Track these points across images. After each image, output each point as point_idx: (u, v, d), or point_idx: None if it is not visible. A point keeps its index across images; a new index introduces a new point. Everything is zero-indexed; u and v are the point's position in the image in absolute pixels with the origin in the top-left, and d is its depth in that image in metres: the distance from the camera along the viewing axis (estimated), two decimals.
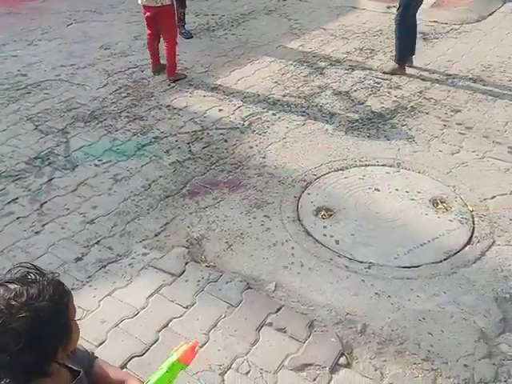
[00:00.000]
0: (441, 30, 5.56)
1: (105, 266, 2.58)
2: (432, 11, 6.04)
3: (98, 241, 2.75)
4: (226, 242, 2.73)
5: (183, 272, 2.52)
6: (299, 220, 2.92)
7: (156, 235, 2.79)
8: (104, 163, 3.43)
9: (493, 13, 6.04)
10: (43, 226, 2.86)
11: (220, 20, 5.98)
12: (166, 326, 2.25)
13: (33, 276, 1.00)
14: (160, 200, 3.07)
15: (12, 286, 0.97)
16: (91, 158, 3.49)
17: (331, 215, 2.96)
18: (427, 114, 3.96)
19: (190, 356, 1.28)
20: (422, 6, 6.09)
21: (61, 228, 2.84)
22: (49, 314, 0.97)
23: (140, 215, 2.95)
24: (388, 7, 6.20)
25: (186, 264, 2.57)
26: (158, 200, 3.07)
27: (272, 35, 5.48)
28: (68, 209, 3.00)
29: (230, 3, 6.53)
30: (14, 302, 0.95)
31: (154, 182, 3.24)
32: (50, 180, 3.25)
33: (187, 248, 2.69)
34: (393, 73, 4.55)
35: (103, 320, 2.29)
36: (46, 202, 3.05)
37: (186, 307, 2.34)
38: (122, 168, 3.38)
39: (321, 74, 4.66)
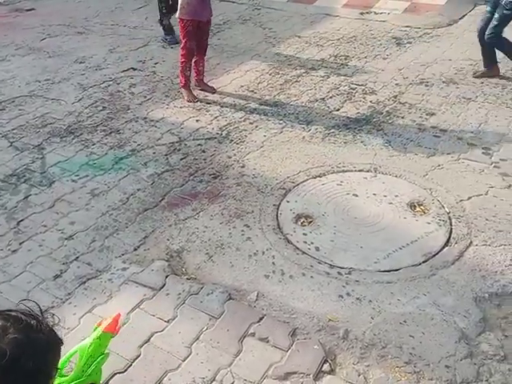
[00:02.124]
0: (414, 34, 5.64)
1: (84, 283, 2.55)
2: (405, 16, 6.13)
3: (77, 257, 2.72)
4: (207, 253, 2.73)
5: (164, 285, 2.51)
6: (279, 228, 2.92)
7: (135, 249, 2.77)
8: (81, 178, 3.40)
9: (464, 16, 6.14)
10: (20, 244, 2.82)
11: None
12: (147, 341, 2.24)
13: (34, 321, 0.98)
14: (138, 213, 3.05)
15: (12, 313, 0.96)
16: (68, 173, 3.46)
17: (311, 222, 2.97)
18: (402, 118, 4.01)
19: (114, 325, 1.37)
20: (394, 11, 6.23)
21: (38, 245, 2.81)
22: (42, 346, 0.95)
23: (119, 229, 2.93)
24: (361, 13, 6.28)
25: (167, 277, 2.56)
26: (136, 213, 3.05)
27: (247, 44, 5.51)
28: (45, 226, 2.96)
29: None
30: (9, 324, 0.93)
31: (132, 195, 3.22)
32: (27, 197, 3.22)
33: (167, 261, 2.67)
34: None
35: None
36: (22, 220, 3.01)
37: (168, 321, 2.32)
38: (100, 182, 3.35)
39: (296, 81, 4.69)
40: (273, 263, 2.65)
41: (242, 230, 2.90)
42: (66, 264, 2.67)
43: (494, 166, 3.39)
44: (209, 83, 4.63)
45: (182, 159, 3.59)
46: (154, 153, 3.67)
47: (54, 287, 2.53)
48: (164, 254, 2.73)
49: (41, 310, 1.02)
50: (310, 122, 4.03)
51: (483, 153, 3.54)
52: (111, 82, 4.75)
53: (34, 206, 3.13)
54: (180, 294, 2.46)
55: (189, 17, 4.13)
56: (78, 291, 2.50)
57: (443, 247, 2.74)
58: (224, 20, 6.29)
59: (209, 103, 4.36)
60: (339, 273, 2.59)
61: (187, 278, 2.56)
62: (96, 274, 2.60)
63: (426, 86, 4.50)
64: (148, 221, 2.99)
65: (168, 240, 2.83)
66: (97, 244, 2.81)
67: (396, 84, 4.54)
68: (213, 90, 4.51)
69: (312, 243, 2.80)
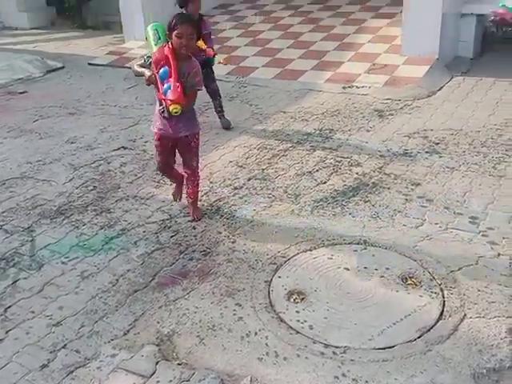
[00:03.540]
0: (395, 106, 5.85)
1: (72, 372, 2.48)
2: (385, 89, 6.37)
3: (65, 344, 2.66)
4: (198, 336, 2.68)
5: (154, 372, 2.44)
6: (271, 306, 2.89)
7: (125, 334, 2.71)
8: (71, 260, 3.38)
9: (442, 87, 6.39)
10: (7, 332, 2.76)
11: None
12: None
13: None
14: (128, 295, 3.01)
15: None
16: (58, 255, 3.44)
17: (303, 298, 2.95)
18: (389, 189, 4.08)
19: None
20: (375, 84, 6.47)
21: (26, 333, 2.75)
22: None
23: (108, 313, 2.88)
24: (344, 87, 6.51)
25: (157, 363, 2.49)
26: (126, 295, 3.01)
27: (235, 121, 5.66)
28: (33, 312, 2.91)
29: None
30: None
31: (121, 276, 3.20)
32: (15, 282, 3.18)
33: (157, 345, 2.61)
34: None
35: None
36: (10, 307, 2.96)
37: None
38: (90, 264, 3.33)
39: (284, 155, 4.79)
40: (266, 344, 2.61)
41: (234, 310, 2.86)
42: (53, 352, 2.60)
43: (482, 235, 3.42)
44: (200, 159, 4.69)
45: (172, 237, 3.60)
46: (145, 231, 3.68)
47: (40, 378, 2.46)
48: (154, 338, 2.67)
49: None
50: (299, 195, 4.09)
51: (470, 222, 3.59)
52: (102, 162, 4.82)
53: (22, 291, 3.09)
54: (171, 380, 2.39)
55: (153, 128, 3.63)
56: (66, 382, 2.43)
57: (437, 321, 2.71)
58: None
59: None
60: (334, 352, 2.55)
61: (178, 364, 2.50)
62: (84, 362, 2.53)
63: (410, 156, 4.62)
64: (138, 303, 2.96)
65: (158, 323, 2.79)
66: (86, 329, 2.76)
67: (380, 155, 4.65)
68: (197, 217, 3.80)
69: (305, 321, 2.76)
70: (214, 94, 5.43)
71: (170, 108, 3.20)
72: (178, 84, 3.19)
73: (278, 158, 4.74)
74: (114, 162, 4.82)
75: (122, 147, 5.13)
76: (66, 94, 6.94)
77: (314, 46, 7.85)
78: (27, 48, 9.65)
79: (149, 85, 3.41)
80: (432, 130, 5.15)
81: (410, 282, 3.02)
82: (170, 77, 3.22)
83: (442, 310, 2.78)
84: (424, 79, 6.52)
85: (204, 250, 3.43)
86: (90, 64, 8.40)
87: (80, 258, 3.40)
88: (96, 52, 9.14)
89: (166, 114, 3.41)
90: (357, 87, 6.49)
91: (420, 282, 3.01)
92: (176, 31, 3.25)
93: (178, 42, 3.25)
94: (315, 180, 4.30)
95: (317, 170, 4.46)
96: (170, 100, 3.17)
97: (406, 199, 3.92)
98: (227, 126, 5.48)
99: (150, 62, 3.36)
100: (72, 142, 5.31)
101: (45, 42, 10.29)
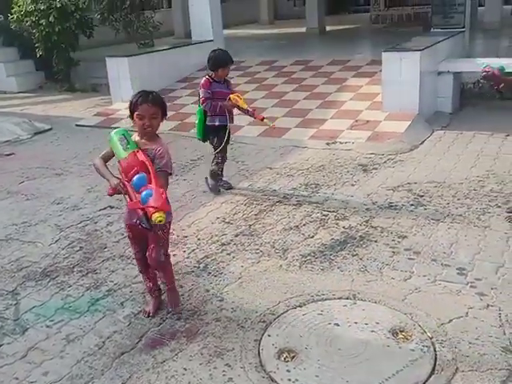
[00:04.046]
0: (378, 160, 5.96)
1: None
2: (368, 144, 6.52)
3: None
4: None
5: None
6: (262, 366, 2.83)
7: None
8: (56, 323, 3.31)
9: (424, 141, 6.56)
10: None
11: None
12: None
13: None
14: (115, 358, 2.94)
15: None
16: (42, 318, 3.37)
17: (294, 357, 2.89)
18: (376, 242, 4.10)
19: None
20: (358, 139, 6.62)
21: None
22: None
23: (94, 377, 2.80)
24: (327, 143, 6.66)
25: None
26: (112, 358, 2.94)
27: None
28: (17, 378, 2.82)
29: (180, 150, 6.85)
30: None
31: (108, 338, 3.13)
32: None
33: None
34: None
35: None
36: None
37: None
38: (75, 326, 3.26)
39: (271, 210, 4.82)
40: None
41: (224, 371, 2.80)
42: None
43: (471, 286, 3.43)
44: (185, 217, 4.72)
45: None
46: (131, 291, 3.63)
47: None
48: None
49: None
50: (286, 249, 4.09)
51: (458, 273, 3.60)
52: (88, 222, 4.81)
53: (5, 357, 3.00)
54: None
55: (124, 220, 3.33)
56: None
57: (430, 375, 2.67)
58: (199, 156, 6.59)
59: (186, 236, 4.42)
60: None
61: None
62: None
63: (396, 209, 4.67)
64: (125, 365, 2.88)
65: None
66: None
67: (366, 209, 4.70)
68: (175, 306, 3.39)
69: (297, 380, 2.70)
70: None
71: (154, 216, 2.71)
72: (162, 190, 2.82)
73: (265, 214, 4.76)
74: (101, 221, 4.81)
75: (109, 206, 5.14)
76: (52, 155, 7.00)
77: (298, 104, 8.08)
78: (15, 111, 9.82)
79: (112, 194, 2.99)
80: (416, 182, 5.24)
81: (400, 336, 2.99)
82: (150, 183, 2.82)
83: (434, 364, 2.74)
84: (406, 134, 6.69)
85: (192, 309, 3.39)
86: (77, 125, 8.53)
87: (65, 320, 3.33)
88: (83, 113, 9.31)
89: (145, 225, 2.84)
90: (340, 143, 6.63)
91: (411, 336, 2.98)
92: (137, 112, 2.99)
93: (141, 124, 2.99)
94: (302, 234, 4.32)
95: (304, 225, 4.49)
96: (154, 207, 2.72)
97: (394, 252, 3.93)
98: (227, 186, 5.47)
99: (132, 144, 2.98)
100: (58, 203, 5.31)
101: (33, 105, 10.48)
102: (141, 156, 2.91)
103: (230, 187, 5.44)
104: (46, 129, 8.39)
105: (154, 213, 2.72)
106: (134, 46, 11.59)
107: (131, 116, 3.06)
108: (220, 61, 5.01)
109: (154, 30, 11.72)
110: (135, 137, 3.09)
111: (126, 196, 2.92)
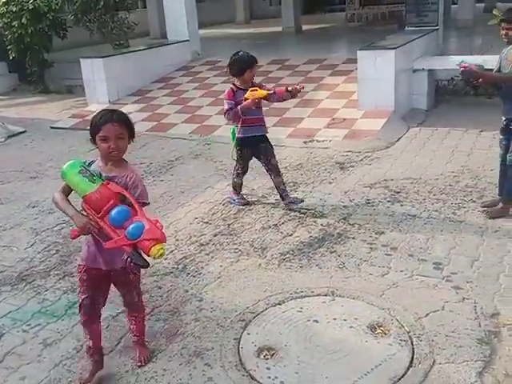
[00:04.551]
0: (355, 158, 6.01)
1: None
2: (345, 142, 6.56)
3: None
4: None
5: None
6: (241, 364, 2.84)
7: None
8: (32, 328, 3.26)
9: (400, 138, 6.63)
10: None
11: (148, 168, 6.19)
12: None
13: None
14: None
15: None
16: (19, 323, 3.32)
17: (273, 354, 2.90)
18: (353, 238, 4.13)
19: None
20: (335, 138, 6.66)
21: None
22: None
23: (72, 381, 2.77)
24: (305, 142, 6.69)
25: None
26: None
27: (200, 178, 5.71)
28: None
29: (158, 151, 6.82)
30: None
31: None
32: None
33: None
34: (500, 215, 4.30)
35: None
36: None
37: None
38: (53, 330, 3.22)
39: (249, 210, 4.83)
40: None
41: (203, 370, 2.79)
42: None
43: (446, 280, 3.48)
44: (163, 218, 4.68)
45: None
46: (109, 295, 3.59)
47: None
48: None
49: None
50: (265, 248, 4.09)
51: (434, 267, 3.64)
52: (64, 225, 4.75)
53: None
54: None
55: (81, 260, 2.79)
56: None
57: (408, 369, 2.70)
58: (176, 156, 6.56)
59: None
60: None
61: None
62: None
63: (373, 206, 4.71)
64: (104, 368, 2.85)
65: None
66: None
67: (344, 206, 4.74)
68: (144, 360, 2.90)
69: (276, 377, 2.71)
70: (275, 170, 4.83)
71: (155, 249, 2.33)
72: (155, 219, 2.44)
73: (244, 213, 4.77)
74: None
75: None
76: (27, 158, 6.90)
77: (275, 103, 8.08)
78: None
79: (76, 237, 2.54)
80: (392, 179, 5.30)
81: (378, 330, 3.02)
82: (135, 215, 2.42)
83: (412, 358, 2.78)
84: (382, 131, 6.76)
85: (171, 310, 3.37)
86: (52, 127, 8.41)
87: (42, 324, 3.29)
88: (59, 115, 9.20)
89: (140, 263, 2.42)
90: (317, 141, 6.67)
91: (389, 331, 3.01)
92: (100, 134, 2.54)
93: (106, 147, 2.53)
94: (281, 233, 4.33)
95: (282, 223, 4.50)
96: (152, 240, 2.34)
97: (371, 248, 3.97)
98: (298, 201, 4.82)
99: (100, 175, 2.54)
100: (34, 206, 5.23)
101: (6, 108, 10.31)
102: (114, 186, 2.49)
103: (301, 201, 4.85)
104: (19, 131, 8.26)
105: (153, 245, 2.33)
106: (109, 47, 11.48)
107: (92, 139, 2.60)
108: (245, 62, 4.53)
109: (128, 31, 11.62)
110: (98, 163, 2.64)
111: (99, 234, 2.49)
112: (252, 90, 4.48)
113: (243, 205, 4.93)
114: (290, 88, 4.49)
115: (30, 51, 11.11)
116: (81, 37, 12.29)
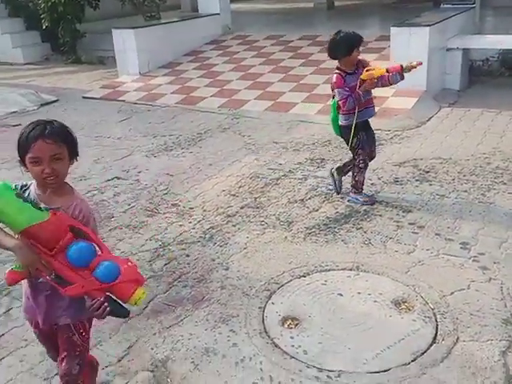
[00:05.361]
0: (385, 136, 5.95)
1: None
2: (375, 120, 6.43)
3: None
4: (192, 362, 2.67)
5: None
6: (266, 332, 2.89)
7: (119, 360, 2.70)
8: None
9: (431, 118, 6.53)
10: (1, 360, 2.74)
11: (177, 140, 6.24)
12: None
13: None
14: (122, 323, 3.00)
15: None
16: None
17: (297, 324, 2.95)
18: (380, 216, 4.13)
19: None
20: None
21: (19, 361, 2.73)
22: None
23: (102, 340, 2.86)
24: None
25: None
26: (120, 322, 2.99)
27: (228, 151, 5.74)
28: (26, 339, 2.88)
29: (187, 124, 6.86)
30: None
31: None
32: (8, 310, 3.16)
33: (152, 372, 2.60)
34: None
35: None
36: (3, 335, 2.94)
37: None
38: None
39: (276, 184, 4.85)
40: (260, 369, 2.60)
41: (228, 336, 2.86)
42: (47, 380, 2.59)
43: (473, 260, 3.46)
44: (191, 189, 4.73)
45: (165, 265, 3.61)
46: (138, 260, 3.68)
47: None
48: (149, 364, 2.66)
49: None
50: (291, 222, 4.12)
51: (461, 247, 3.63)
52: (96, 192, 4.85)
53: (15, 320, 3.07)
54: None
55: (25, 315, 2.25)
56: None
57: (431, 345, 2.72)
58: (205, 129, 6.59)
59: (192, 208, 4.46)
60: (328, 376, 2.54)
61: None
62: None
63: (401, 184, 4.69)
64: (132, 330, 2.94)
65: (152, 349, 2.78)
66: None
67: (371, 184, 4.72)
68: None
69: (300, 346, 2.76)
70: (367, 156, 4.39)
71: (138, 294, 1.90)
72: (126, 258, 2.05)
73: (271, 187, 4.79)
74: (108, 192, 4.85)
75: (116, 177, 5.17)
76: None
77: (304, 79, 8.03)
78: (21, 82, 9.79)
79: (16, 282, 1.93)
80: (422, 159, 5.24)
81: (403, 306, 3.04)
82: (102, 251, 1.96)
83: (436, 334, 2.80)
84: (413, 110, 6.66)
85: (197, 277, 3.44)
86: (84, 97, 8.52)
87: None
88: (90, 86, 9.29)
89: (118, 311, 1.95)
90: None
91: (413, 307, 3.02)
92: (29, 155, 1.93)
93: (38, 171, 1.92)
94: (307, 208, 4.35)
95: (309, 198, 4.52)
96: (133, 281, 1.92)
97: (398, 226, 3.96)
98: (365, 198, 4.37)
99: (33, 202, 1.93)
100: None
101: (39, 77, 10.45)
102: (65, 217, 1.93)
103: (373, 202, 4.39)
104: (52, 100, 8.39)
105: (135, 290, 1.90)
106: (141, 19, 11.50)
107: (22, 161, 1.99)
108: (353, 40, 4.08)
109: (160, 3, 11.60)
110: (34, 190, 2.03)
111: (51, 277, 1.90)
112: (367, 70, 4.04)
113: (373, 204, 4.32)
114: (404, 64, 3.96)
115: (63, 21, 11.18)
116: (113, 8, 12.33)
